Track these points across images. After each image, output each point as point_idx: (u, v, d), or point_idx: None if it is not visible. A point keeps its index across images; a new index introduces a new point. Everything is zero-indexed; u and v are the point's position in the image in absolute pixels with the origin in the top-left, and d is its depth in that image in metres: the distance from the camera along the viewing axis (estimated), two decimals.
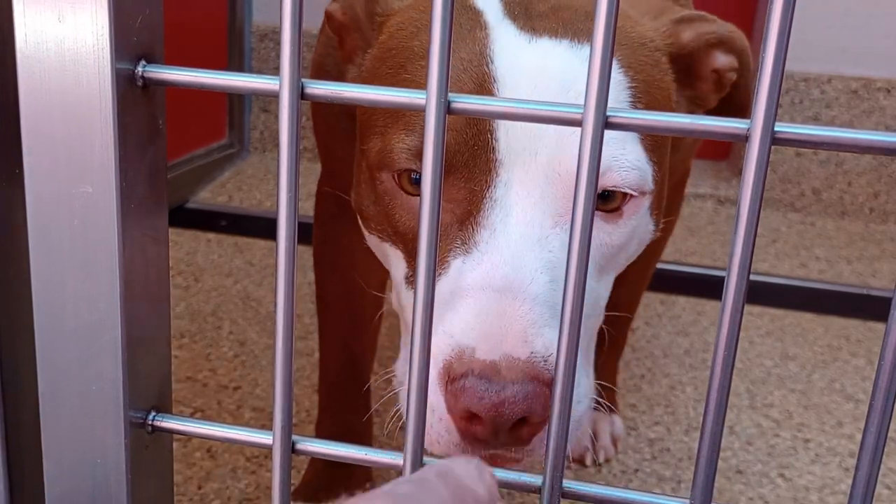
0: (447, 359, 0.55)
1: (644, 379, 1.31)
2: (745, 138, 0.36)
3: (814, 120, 2.02)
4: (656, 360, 1.36)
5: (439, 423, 0.56)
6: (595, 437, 1.12)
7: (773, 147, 0.36)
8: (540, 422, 0.54)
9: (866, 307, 1.56)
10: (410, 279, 0.65)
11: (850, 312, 1.54)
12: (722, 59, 0.73)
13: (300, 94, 0.39)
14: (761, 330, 1.47)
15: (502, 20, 0.64)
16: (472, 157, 0.60)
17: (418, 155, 0.60)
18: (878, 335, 1.46)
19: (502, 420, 0.53)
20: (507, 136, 0.59)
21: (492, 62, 0.61)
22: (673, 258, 1.73)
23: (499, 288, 0.57)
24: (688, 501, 0.42)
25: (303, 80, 0.39)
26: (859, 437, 1.15)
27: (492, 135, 0.59)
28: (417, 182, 0.62)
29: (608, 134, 0.59)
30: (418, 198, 0.61)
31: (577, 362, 0.55)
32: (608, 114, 0.37)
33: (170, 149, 0.45)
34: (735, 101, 0.76)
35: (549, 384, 0.54)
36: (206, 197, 1.93)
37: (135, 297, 0.43)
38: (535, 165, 0.59)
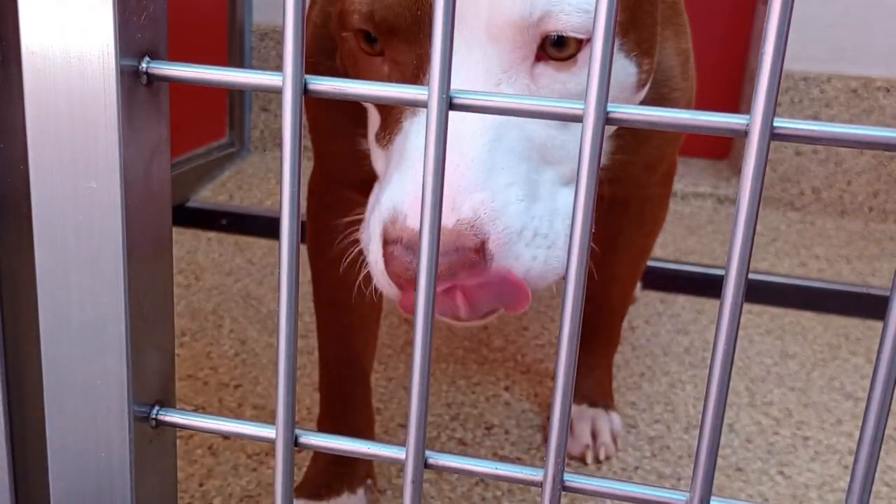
0: (385, 221, 0.58)
1: (644, 377, 1.31)
2: (744, 133, 0.36)
3: (813, 119, 2.03)
4: (656, 358, 1.37)
5: (382, 276, 0.60)
6: (595, 434, 1.12)
7: (772, 146, 0.36)
8: (473, 286, 0.56)
9: (866, 306, 1.57)
10: (379, 137, 0.66)
11: (849, 311, 1.54)
12: None
13: (303, 91, 0.39)
14: (761, 328, 1.47)
15: None
16: (414, 20, 0.59)
17: (370, 18, 0.61)
18: (877, 334, 1.47)
19: None
20: None
21: None
22: (672, 257, 1.74)
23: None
24: (688, 495, 0.42)
25: (305, 76, 0.39)
26: (858, 434, 1.15)
27: None
28: (372, 41, 0.63)
29: None
30: (376, 59, 0.63)
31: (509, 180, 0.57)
32: (609, 109, 0.37)
33: (170, 147, 0.45)
34: None
35: (477, 248, 0.55)
36: (207, 196, 1.93)
37: (139, 292, 0.43)
38: (476, 24, 0.58)
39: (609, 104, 0.37)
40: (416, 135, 0.59)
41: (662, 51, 0.88)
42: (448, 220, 0.55)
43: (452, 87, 0.55)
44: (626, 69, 0.65)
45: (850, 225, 2.00)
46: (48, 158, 0.41)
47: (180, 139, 1.91)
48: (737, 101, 2.14)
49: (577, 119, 0.38)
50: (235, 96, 2.14)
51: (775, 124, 0.36)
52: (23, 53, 0.40)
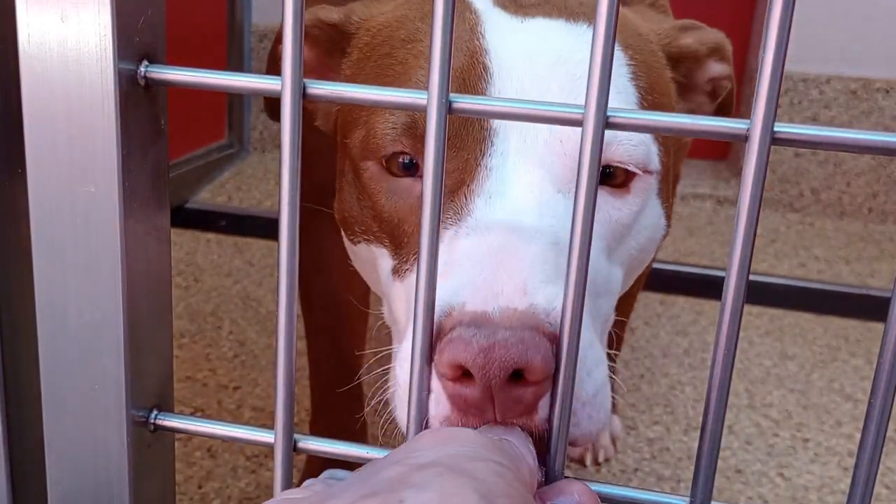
0: (437, 321, 0.47)
1: (643, 379, 1.31)
2: (744, 138, 0.36)
3: (813, 120, 2.03)
4: (655, 359, 1.36)
5: (428, 396, 0.47)
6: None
7: (772, 147, 0.36)
8: (542, 379, 0.45)
9: (865, 307, 1.56)
10: (397, 270, 0.62)
11: (848, 312, 1.54)
12: (717, 68, 0.73)
13: (302, 95, 0.39)
14: (760, 330, 1.47)
15: (492, 7, 0.64)
16: (462, 125, 0.56)
17: (405, 133, 0.58)
18: (876, 335, 1.46)
19: (493, 368, 0.45)
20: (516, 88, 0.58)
21: (483, 37, 0.59)
22: (672, 258, 1.74)
23: (495, 248, 0.52)
24: (687, 499, 0.42)
25: (304, 80, 0.39)
26: (858, 436, 1.15)
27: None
28: (406, 167, 0.60)
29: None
30: (407, 179, 0.60)
31: (590, 341, 0.51)
32: (608, 114, 0.37)
33: (170, 149, 0.45)
34: (723, 106, 0.77)
35: (553, 338, 0.46)
36: (206, 197, 1.93)
37: (137, 296, 0.43)
38: (533, 133, 0.57)
39: (609, 109, 0.37)
40: (464, 237, 0.54)
41: None
42: (520, 303, 0.48)
43: (511, 197, 0.55)
44: (658, 217, 0.66)
45: (849, 226, 2.00)
46: (46, 162, 0.41)
47: (179, 140, 1.91)
48: (737, 101, 2.14)
49: (577, 123, 0.38)
50: (235, 98, 2.14)
51: (776, 129, 0.36)
52: (21, 57, 0.40)
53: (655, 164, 0.62)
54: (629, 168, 0.60)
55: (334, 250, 0.94)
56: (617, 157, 0.59)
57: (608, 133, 0.56)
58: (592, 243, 0.42)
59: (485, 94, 0.58)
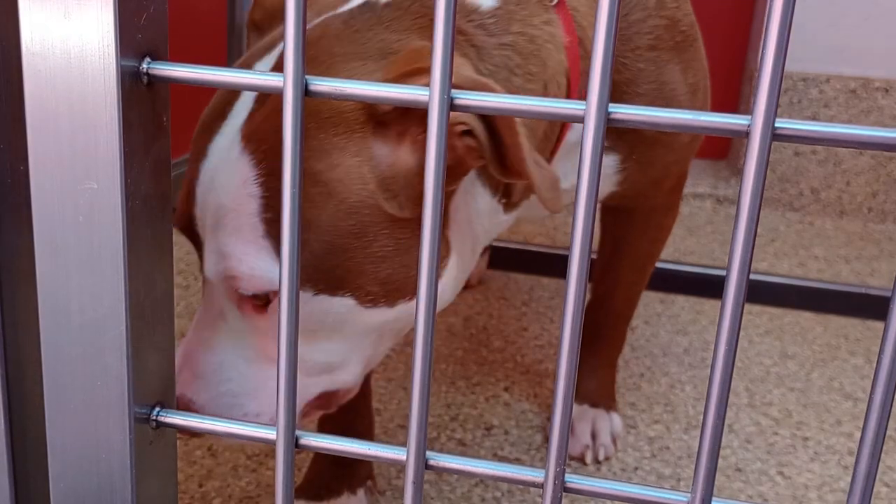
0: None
1: (643, 378, 1.31)
2: (745, 134, 0.36)
3: (812, 119, 2.03)
4: (655, 358, 1.37)
5: None
6: (595, 435, 1.12)
7: (772, 146, 0.36)
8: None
9: (865, 306, 1.57)
10: None
11: (848, 311, 1.54)
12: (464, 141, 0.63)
13: (304, 91, 0.39)
14: (760, 329, 1.47)
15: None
16: (189, 227, 0.71)
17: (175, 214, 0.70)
18: (876, 334, 1.47)
19: None
20: (202, 214, 0.69)
21: (206, 158, 0.72)
22: (672, 258, 1.74)
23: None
24: (688, 496, 0.42)
25: (306, 76, 0.39)
26: (858, 435, 1.15)
27: (192, 220, 0.70)
28: None
29: (233, 245, 0.67)
30: None
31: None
32: (609, 110, 0.37)
33: (172, 147, 0.45)
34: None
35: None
36: None
37: (139, 292, 0.43)
38: (213, 259, 0.69)
39: (611, 106, 0.37)
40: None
41: (664, 83, 0.89)
42: (186, 376, 0.71)
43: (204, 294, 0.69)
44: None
45: (848, 225, 2.00)
46: (49, 159, 0.41)
47: (182, 139, 1.90)
48: (735, 100, 2.15)
49: (579, 119, 0.38)
50: None
51: (777, 125, 0.36)
52: (23, 54, 0.40)
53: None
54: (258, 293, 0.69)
55: None
56: (238, 287, 0.68)
57: (227, 270, 0.68)
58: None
59: (193, 215, 0.71)
